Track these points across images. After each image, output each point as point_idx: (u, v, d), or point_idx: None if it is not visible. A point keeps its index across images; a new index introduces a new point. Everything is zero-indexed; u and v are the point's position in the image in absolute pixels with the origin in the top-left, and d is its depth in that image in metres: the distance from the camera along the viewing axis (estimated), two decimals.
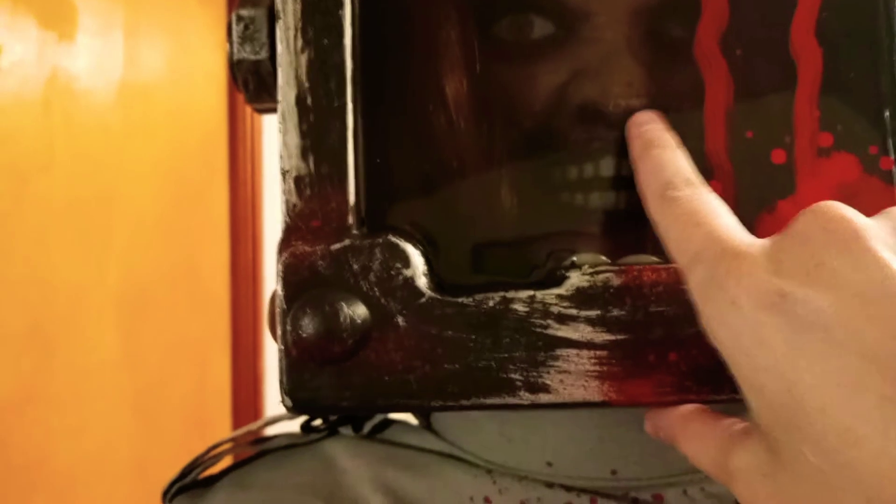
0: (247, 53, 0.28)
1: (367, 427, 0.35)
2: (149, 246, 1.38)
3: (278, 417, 0.37)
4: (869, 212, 0.26)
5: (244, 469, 0.35)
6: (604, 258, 0.26)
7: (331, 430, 0.35)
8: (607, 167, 0.27)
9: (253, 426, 0.37)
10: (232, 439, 0.36)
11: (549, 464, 0.30)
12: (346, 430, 0.35)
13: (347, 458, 0.33)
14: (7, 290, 1.18)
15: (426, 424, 0.35)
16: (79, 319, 1.28)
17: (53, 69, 1.22)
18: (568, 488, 0.29)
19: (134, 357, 1.36)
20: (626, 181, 0.27)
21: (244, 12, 0.28)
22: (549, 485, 0.29)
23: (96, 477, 1.31)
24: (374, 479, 0.32)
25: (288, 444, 0.35)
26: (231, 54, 0.29)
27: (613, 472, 0.30)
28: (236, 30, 0.28)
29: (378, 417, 0.35)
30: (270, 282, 1.29)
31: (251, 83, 0.29)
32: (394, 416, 0.36)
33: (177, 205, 1.42)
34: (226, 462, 0.37)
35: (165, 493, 0.34)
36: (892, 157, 0.26)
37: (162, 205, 1.40)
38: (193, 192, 1.46)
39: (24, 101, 1.19)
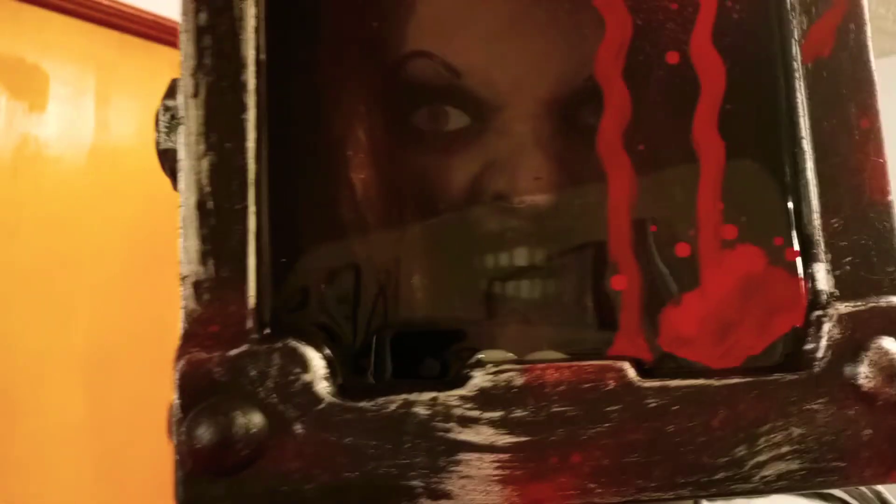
0: (172, 143, 0.28)
1: None
2: (115, 308, 1.36)
3: None
4: (774, 303, 0.26)
5: None
6: (510, 355, 0.25)
7: None
8: (517, 260, 0.27)
9: None
10: None
11: None
12: None
13: None
14: None
15: None
16: (43, 383, 1.26)
17: (23, 137, 1.22)
18: None
19: (99, 419, 1.33)
20: (535, 274, 0.27)
21: (170, 102, 0.28)
22: None
23: None
24: None
25: None
26: (157, 143, 0.29)
27: None
28: (162, 119, 0.28)
29: None
30: None
31: (170, 173, 0.29)
32: None
33: (143, 267, 1.41)
34: None
35: None
36: (797, 248, 0.26)
37: (129, 267, 1.39)
38: (160, 254, 1.45)
39: None
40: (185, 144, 0.25)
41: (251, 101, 0.25)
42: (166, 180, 0.30)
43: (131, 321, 1.38)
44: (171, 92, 0.28)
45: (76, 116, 1.30)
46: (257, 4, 0.26)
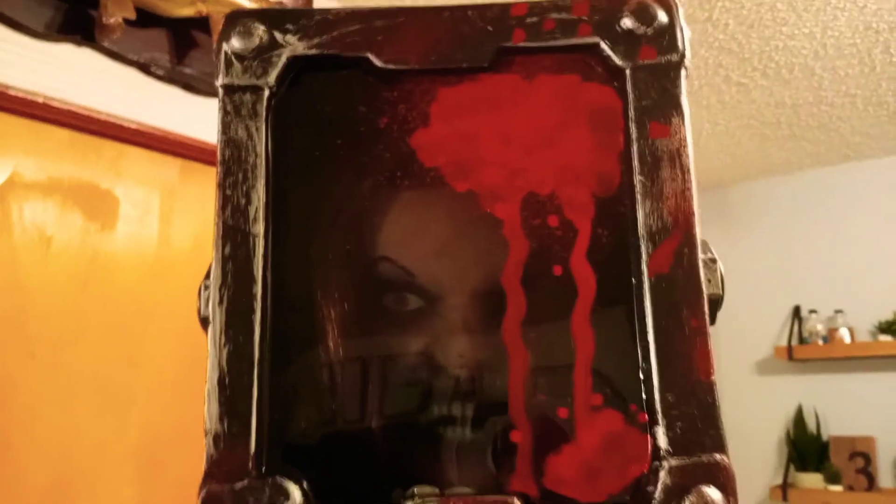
0: (209, 313, 0.38)
1: None
2: (167, 405, 1.47)
3: None
4: (630, 454, 0.35)
5: None
6: (436, 490, 0.34)
7: None
8: (448, 416, 0.36)
9: None
10: None
11: None
12: None
13: None
14: (37, 449, 1.28)
15: None
16: (100, 475, 1.36)
17: (94, 252, 1.37)
18: None
19: None
20: (458, 427, 0.36)
21: (209, 283, 0.39)
22: None
23: None
24: None
25: None
26: (199, 311, 0.39)
27: None
28: (202, 295, 0.39)
29: None
30: None
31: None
32: None
33: (194, 368, 1.52)
34: None
35: None
36: (646, 413, 0.35)
37: (181, 368, 1.50)
38: (206, 358, 1.57)
39: (66, 282, 1.33)
40: (212, 337, 0.36)
41: (258, 305, 0.36)
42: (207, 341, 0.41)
43: (181, 419, 1.49)
44: (209, 274, 0.39)
45: (141, 234, 1.45)
46: (265, 236, 0.37)
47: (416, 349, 0.38)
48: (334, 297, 0.40)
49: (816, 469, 2.67)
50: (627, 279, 0.36)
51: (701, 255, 0.36)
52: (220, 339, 0.35)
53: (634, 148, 0.37)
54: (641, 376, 0.35)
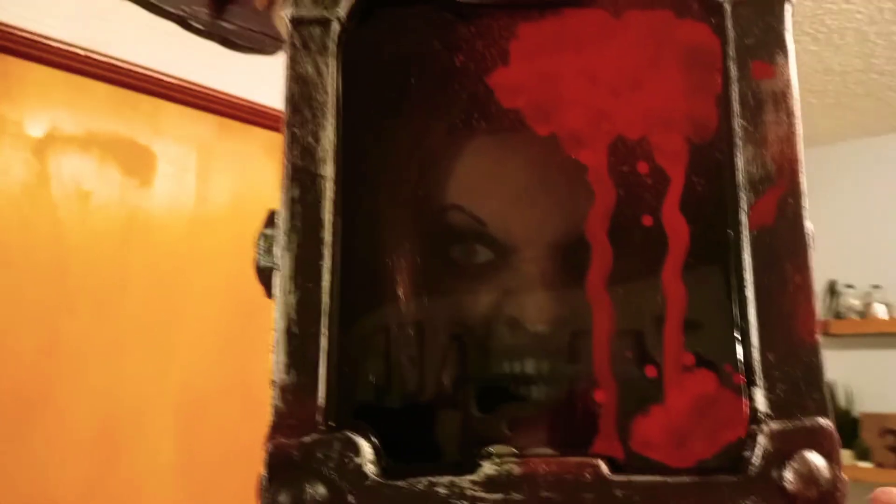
0: (268, 263, 0.37)
1: None
2: (207, 359, 1.48)
3: None
4: (723, 418, 0.32)
5: None
6: (513, 450, 0.32)
7: None
8: (525, 374, 0.34)
9: None
10: None
11: None
12: None
13: None
14: (83, 399, 1.29)
15: None
16: (142, 426, 1.37)
17: (133, 208, 1.36)
18: None
19: (189, 462, 1.44)
20: (536, 385, 0.34)
21: (268, 231, 0.37)
22: None
23: None
24: None
25: None
26: (256, 261, 0.37)
27: None
28: (261, 244, 0.37)
29: None
30: None
31: (265, 288, 0.38)
32: None
33: (234, 323, 1.53)
34: None
35: None
36: (742, 374, 0.33)
37: (221, 323, 1.51)
38: (249, 311, 1.57)
39: (106, 238, 1.33)
40: (279, 284, 0.33)
41: (327, 252, 0.33)
42: (262, 292, 0.39)
43: (221, 372, 1.50)
44: (269, 222, 0.37)
45: (179, 191, 1.44)
46: (335, 179, 0.34)
47: (492, 304, 0.35)
48: (405, 247, 0.38)
49: (846, 445, 2.64)
50: (724, 231, 0.33)
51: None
52: (287, 286, 0.33)
53: (735, 89, 0.34)
54: (738, 335, 0.33)
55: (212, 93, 1.43)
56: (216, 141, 1.50)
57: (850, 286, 2.75)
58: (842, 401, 2.73)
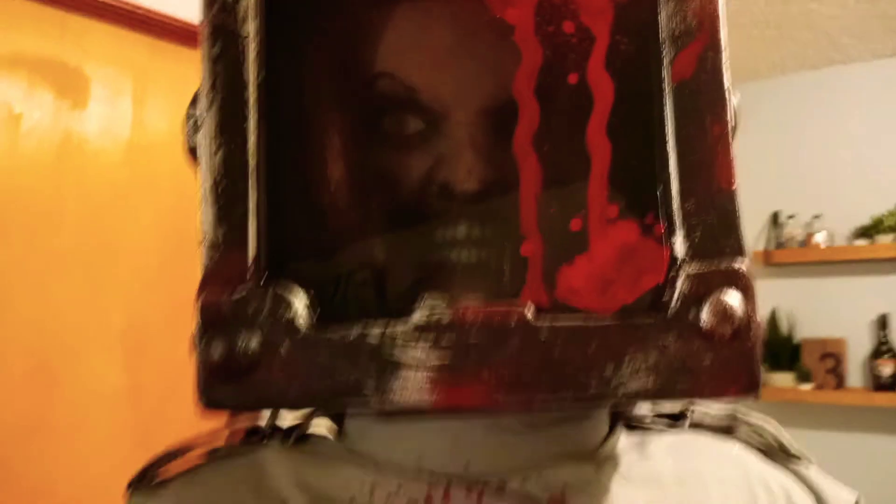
0: (191, 142, 0.36)
1: (291, 439, 0.43)
2: (150, 289, 1.46)
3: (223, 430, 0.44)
4: (644, 265, 0.34)
5: (192, 471, 0.42)
6: (443, 301, 0.33)
7: (264, 440, 0.43)
8: (455, 231, 0.35)
9: (200, 436, 0.44)
10: (184, 447, 0.44)
11: (419, 459, 0.37)
12: (275, 442, 0.42)
13: (273, 462, 0.40)
14: (15, 331, 1.27)
15: (338, 432, 0.42)
16: (84, 356, 1.36)
17: (66, 133, 1.32)
18: (430, 476, 0.37)
19: (136, 390, 1.44)
20: (467, 242, 0.35)
21: (193, 111, 0.36)
22: (417, 474, 0.37)
23: None
24: (293, 477, 0.39)
25: (228, 453, 0.43)
26: (186, 142, 0.37)
27: (466, 465, 0.37)
28: (188, 124, 0.36)
29: (301, 430, 0.43)
30: None
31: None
32: (312, 430, 0.44)
33: (176, 252, 1.51)
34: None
35: (128, 487, 0.42)
36: (663, 223, 0.34)
37: (163, 253, 1.48)
38: (191, 240, 1.55)
39: (39, 163, 1.29)
40: (204, 144, 0.33)
41: (251, 112, 0.33)
42: (194, 174, 0.38)
43: (163, 300, 1.48)
44: (194, 101, 0.37)
45: (114, 115, 1.40)
46: (257, 38, 0.34)
47: (422, 168, 0.36)
48: (333, 114, 0.38)
49: (789, 369, 2.76)
50: (647, 88, 0.34)
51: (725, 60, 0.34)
52: (211, 145, 0.33)
53: None
54: (659, 186, 0.34)
55: (143, 12, 1.37)
56: (151, 63, 1.45)
57: (792, 216, 2.84)
58: (784, 327, 2.84)
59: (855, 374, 2.75)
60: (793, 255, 2.81)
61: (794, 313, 2.85)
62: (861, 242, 2.69)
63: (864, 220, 2.72)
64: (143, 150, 1.46)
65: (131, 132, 1.43)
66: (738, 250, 0.32)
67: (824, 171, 2.83)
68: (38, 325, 1.30)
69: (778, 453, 0.42)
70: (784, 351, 2.81)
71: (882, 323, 2.65)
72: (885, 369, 2.60)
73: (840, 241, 2.76)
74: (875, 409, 2.64)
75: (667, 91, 0.34)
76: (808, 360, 2.79)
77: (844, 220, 2.77)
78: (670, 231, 0.33)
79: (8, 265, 1.26)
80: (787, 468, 0.41)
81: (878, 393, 2.60)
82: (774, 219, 2.89)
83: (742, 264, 0.32)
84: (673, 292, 0.32)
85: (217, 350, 0.31)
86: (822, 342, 2.79)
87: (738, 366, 0.31)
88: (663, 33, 0.34)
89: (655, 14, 0.34)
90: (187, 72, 1.52)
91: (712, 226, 0.33)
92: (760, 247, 2.89)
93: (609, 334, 0.32)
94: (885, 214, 2.64)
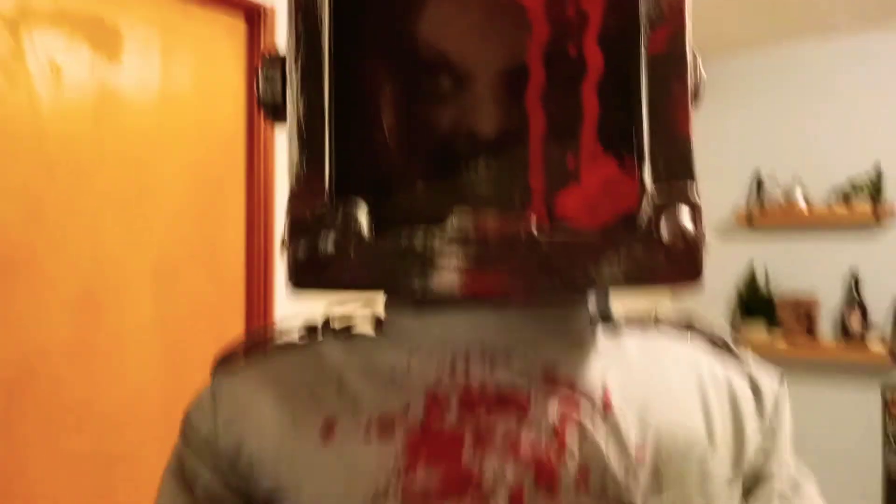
0: (268, 96, 0.46)
1: (342, 336, 0.53)
2: (179, 229, 1.56)
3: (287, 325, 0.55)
4: (621, 193, 0.44)
5: (265, 357, 0.52)
6: (469, 213, 0.43)
7: (322, 336, 0.53)
8: (479, 166, 0.45)
9: (269, 327, 0.55)
10: (259, 336, 0.54)
11: (443, 342, 0.48)
12: (329, 338, 0.53)
13: (329, 350, 0.51)
14: (66, 263, 1.37)
15: (378, 330, 0.53)
16: (122, 287, 1.46)
17: (102, 84, 1.40)
18: (454, 346, 0.47)
19: (164, 319, 1.54)
20: (489, 174, 0.45)
21: (268, 70, 0.46)
22: (444, 346, 0.47)
23: (132, 419, 1.49)
24: (345, 358, 0.50)
25: (293, 345, 0.53)
26: (258, 95, 0.47)
27: (482, 342, 0.47)
28: (262, 80, 0.46)
29: (349, 329, 0.53)
30: (279, 260, 1.49)
31: (270, 112, 0.47)
32: (359, 330, 0.54)
33: (202, 196, 1.60)
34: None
35: (213, 369, 0.52)
36: (636, 161, 0.44)
37: (190, 196, 1.58)
38: (216, 186, 1.64)
39: (79, 111, 1.37)
40: (290, 93, 0.43)
41: (325, 69, 0.43)
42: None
43: (190, 241, 1.58)
44: (265, 62, 0.46)
45: (145, 70, 1.48)
46: (329, 13, 0.43)
47: (452, 117, 0.45)
48: (385, 72, 0.47)
49: (767, 324, 2.89)
50: (628, 58, 0.44)
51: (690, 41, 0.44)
52: (296, 94, 0.43)
53: None
54: (634, 133, 0.44)
55: None
56: (179, 23, 1.52)
57: (773, 178, 2.94)
58: (762, 284, 2.96)
59: (825, 330, 2.89)
60: (773, 217, 2.93)
61: (771, 271, 2.97)
62: (838, 205, 2.81)
63: (843, 183, 2.83)
64: (172, 101, 1.54)
65: (160, 85, 1.51)
66: (690, 175, 0.42)
67: (802, 137, 2.93)
68: (88, 255, 1.39)
69: (723, 348, 0.53)
70: (763, 308, 2.94)
71: (854, 281, 2.78)
72: (854, 323, 2.74)
73: (819, 204, 2.87)
74: (844, 361, 2.78)
75: (643, 62, 0.43)
76: (784, 315, 2.92)
77: (823, 184, 2.88)
78: (640, 165, 0.43)
79: (59, 203, 1.35)
80: (730, 359, 0.52)
81: (847, 345, 2.75)
82: (758, 182, 2.99)
83: (692, 193, 0.42)
84: (641, 213, 0.42)
85: (302, 250, 0.41)
86: (797, 300, 2.91)
87: (687, 263, 0.42)
88: (643, 18, 0.44)
89: (637, 2, 0.44)
90: (212, 32, 1.60)
91: (671, 159, 0.43)
92: (743, 209, 2.99)
93: (594, 247, 0.42)
94: (865, 182, 2.74)
